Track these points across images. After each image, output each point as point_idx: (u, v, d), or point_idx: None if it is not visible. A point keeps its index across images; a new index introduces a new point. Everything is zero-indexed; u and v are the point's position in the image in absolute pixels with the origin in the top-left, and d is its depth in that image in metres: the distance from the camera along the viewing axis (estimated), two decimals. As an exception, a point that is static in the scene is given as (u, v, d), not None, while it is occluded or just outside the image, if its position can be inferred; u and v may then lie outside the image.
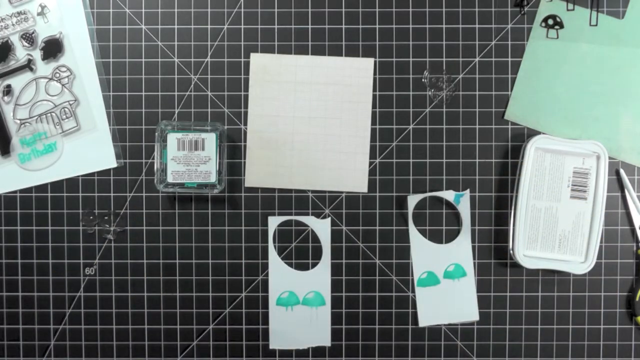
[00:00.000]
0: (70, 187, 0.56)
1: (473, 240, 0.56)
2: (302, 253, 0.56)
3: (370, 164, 0.56)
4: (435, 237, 0.54)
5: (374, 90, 0.56)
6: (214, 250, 0.56)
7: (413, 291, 0.55)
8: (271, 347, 0.55)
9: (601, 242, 0.55)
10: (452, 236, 0.54)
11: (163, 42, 0.56)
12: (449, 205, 0.54)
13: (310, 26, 0.56)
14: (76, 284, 0.56)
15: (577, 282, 0.56)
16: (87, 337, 0.56)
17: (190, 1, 0.56)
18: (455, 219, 0.55)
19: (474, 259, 0.55)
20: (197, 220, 0.56)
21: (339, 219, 0.56)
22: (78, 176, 0.56)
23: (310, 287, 0.55)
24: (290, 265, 0.56)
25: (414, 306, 0.55)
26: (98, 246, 0.56)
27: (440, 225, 0.55)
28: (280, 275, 0.55)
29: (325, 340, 0.55)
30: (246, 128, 0.56)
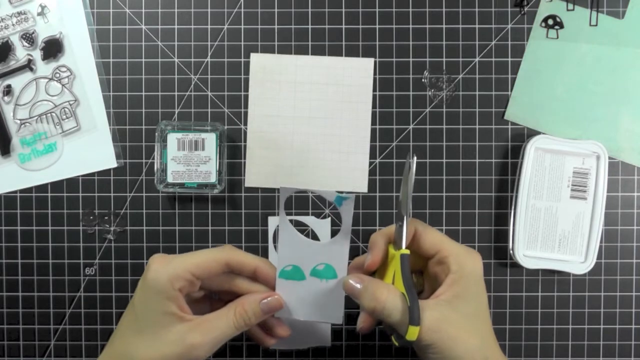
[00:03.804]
0: (70, 187, 0.56)
1: (473, 241, 0.56)
2: (302, 253, 0.56)
3: (370, 164, 0.56)
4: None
5: (374, 90, 0.56)
6: (214, 250, 0.56)
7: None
8: (271, 347, 0.55)
9: (601, 242, 0.55)
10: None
11: (163, 42, 0.56)
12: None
13: (310, 26, 0.56)
14: (76, 284, 0.56)
15: (577, 282, 0.56)
16: (87, 337, 0.56)
17: (190, 1, 0.56)
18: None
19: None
20: (197, 220, 0.56)
21: (339, 219, 0.56)
22: (78, 176, 0.56)
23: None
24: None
25: (414, 306, 0.55)
26: (98, 246, 0.56)
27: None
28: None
29: (325, 341, 0.55)
30: (246, 128, 0.56)
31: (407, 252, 0.43)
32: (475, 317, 0.42)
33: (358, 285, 0.43)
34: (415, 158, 0.43)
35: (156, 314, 0.42)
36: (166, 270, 0.42)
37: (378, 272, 0.46)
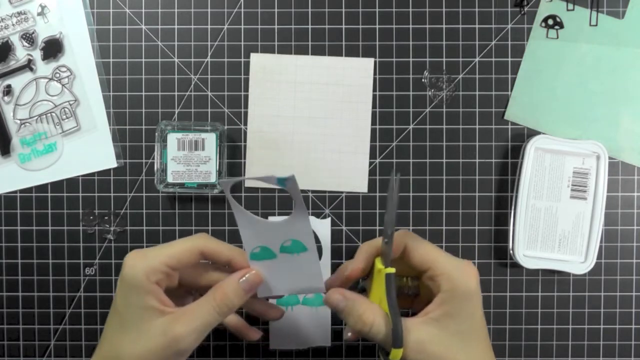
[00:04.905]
0: (70, 187, 0.56)
1: (473, 240, 0.56)
2: (302, 253, 0.56)
3: (370, 164, 0.56)
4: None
5: (374, 90, 0.56)
6: (214, 250, 0.56)
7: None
8: (271, 347, 0.55)
9: (601, 242, 0.55)
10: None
11: (163, 42, 0.56)
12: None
13: (310, 26, 0.56)
14: (76, 284, 0.56)
15: (577, 282, 0.56)
16: (87, 337, 0.56)
17: (190, 1, 0.56)
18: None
19: (475, 258, 0.55)
20: (197, 220, 0.56)
21: (339, 219, 0.56)
22: (78, 176, 0.56)
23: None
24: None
25: (414, 306, 0.55)
26: (98, 246, 0.56)
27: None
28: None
29: (326, 340, 0.55)
30: (246, 128, 0.56)
31: (392, 270, 0.41)
32: (465, 335, 0.41)
33: (341, 303, 0.42)
34: (399, 175, 0.42)
35: (137, 310, 0.41)
36: (141, 264, 0.42)
37: (368, 281, 0.45)
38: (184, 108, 0.56)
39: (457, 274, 0.41)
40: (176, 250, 0.43)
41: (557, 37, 0.55)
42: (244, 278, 0.44)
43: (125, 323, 0.42)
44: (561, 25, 0.55)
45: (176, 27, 0.56)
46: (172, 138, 0.53)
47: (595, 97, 0.55)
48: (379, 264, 0.43)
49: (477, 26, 0.56)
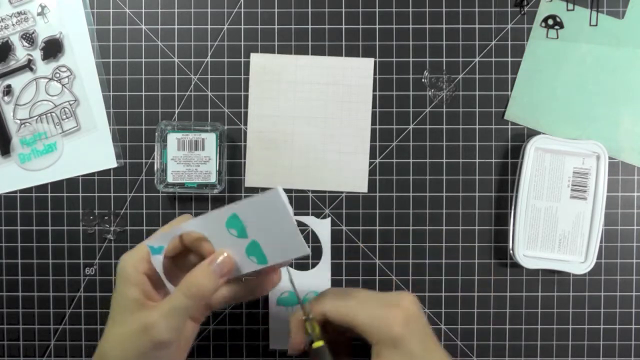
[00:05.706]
0: (70, 187, 0.56)
1: (473, 241, 0.56)
2: (302, 253, 0.56)
3: (370, 164, 0.56)
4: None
5: (374, 90, 0.56)
6: (214, 250, 0.56)
7: (414, 291, 0.55)
8: (271, 347, 0.55)
9: (601, 242, 0.55)
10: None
11: (163, 42, 0.56)
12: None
13: (310, 26, 0.56)
14: (76, 284, 0.56)
15: (577, 282, 0.56)
16: (87, 337, 0.56)
17: (190, 1, 0.56)
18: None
19: (475, 258, 0.55)
20: (197, 220, 0.56)
21: (339, 219, 0.56)
22: (78, 176, 0.56)
23: (310, 287, 0.55)
24: (290, 265, 0.56)
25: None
26: (98, 246, 0.56)
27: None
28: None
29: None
30: (246, 128, 0.56)
31: (320, 344, 0.43)
32: None
33: None
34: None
35: (123, 302, 0.42)
36: (130, 256, 0.43)
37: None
38: (184, 108, 0.56)
39: (378, 325, 0.42)
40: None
41: (557, 37, 0.55)
42: (217, 261, 0.42)
43: (114, 317, 0.43)
44: (561, 25, 0.55)
45: (176, 27, 0.56)
46: (172, 138, 0.53)
47: (595, 97, 0.55)
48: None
49: (477, 26, 0.56)
